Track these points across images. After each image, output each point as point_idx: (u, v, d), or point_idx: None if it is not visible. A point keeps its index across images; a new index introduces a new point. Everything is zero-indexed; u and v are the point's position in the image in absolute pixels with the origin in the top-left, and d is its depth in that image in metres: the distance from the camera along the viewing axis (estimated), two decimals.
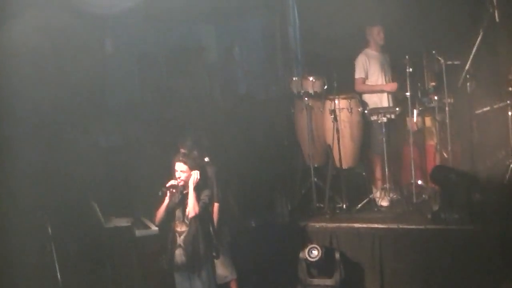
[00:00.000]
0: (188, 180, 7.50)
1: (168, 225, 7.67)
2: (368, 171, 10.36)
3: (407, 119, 10.06)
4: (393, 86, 10.19)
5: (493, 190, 9.33)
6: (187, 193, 7.51)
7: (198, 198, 7.48)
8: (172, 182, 7.53)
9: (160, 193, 7.52)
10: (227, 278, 8.49)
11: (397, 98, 10.27)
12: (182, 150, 7.89)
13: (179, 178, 7.53)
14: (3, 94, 8.42)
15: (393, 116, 9.93)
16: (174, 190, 7.53)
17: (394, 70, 10.41)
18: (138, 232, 8.56)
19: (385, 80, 10.29)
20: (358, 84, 10.27)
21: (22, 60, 8.47)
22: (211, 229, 7.65)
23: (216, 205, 8.22)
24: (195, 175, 7.50)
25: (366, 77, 10.27)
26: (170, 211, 7.56)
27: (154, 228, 8.50)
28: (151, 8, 9.99)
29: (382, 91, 10.25)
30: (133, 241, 8.59)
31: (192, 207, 7.43)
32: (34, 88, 8.71)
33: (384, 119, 9.80)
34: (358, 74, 10.27)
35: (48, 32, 8.86)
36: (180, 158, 7.60)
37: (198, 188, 7.51)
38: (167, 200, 7.53)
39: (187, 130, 8.84)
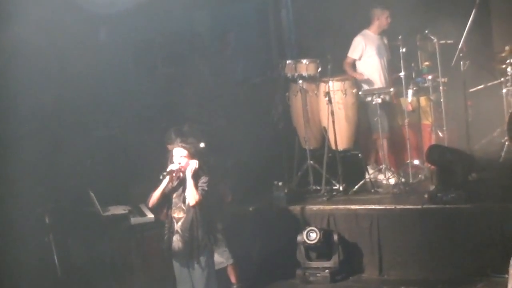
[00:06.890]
0: (187, 165, 7.47)
1: (161, 211, 7.63)
2: (364, 153, 10.37)
3: (402, 99, 10.09)
4: (359, 75, 10.20)
5: (489, 168, 9.37)
6: (184, 179, 7.46)
7: (196, 185, 7.44)
8: (172, 166, 7.48)
9: (161, 177, 7.46)
10: (223, 264, 8.50)
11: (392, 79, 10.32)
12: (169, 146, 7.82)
13: (179, 163, 7.47)
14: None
15: (387, 97, 9.92)
16: (174, 174, 7.48)
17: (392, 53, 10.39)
18: (134, 220, 8.60)
19: (381, 63, 10.24)
20: (347, 63, 10.26)
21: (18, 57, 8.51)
22: (209, 215, 7.62)
23: None
24: (194, 164, 7.47)
25: (359, 59, 10.23)
26: (166, 196, 7.53)
27: (150, 215, 8.53)
28: None
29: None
30: (131, 229, 8.63)
31: (192, 196, 7.33)
32: (29, 82, 8.75)
33: (379, 100, 9.78)
34: (351, 53, 10.25)
35: (43, 27, 8.88)
36: (179, 144, 7.56)
37: (195, 176, 7.48)
38: (164, 183, 7.45)
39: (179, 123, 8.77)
